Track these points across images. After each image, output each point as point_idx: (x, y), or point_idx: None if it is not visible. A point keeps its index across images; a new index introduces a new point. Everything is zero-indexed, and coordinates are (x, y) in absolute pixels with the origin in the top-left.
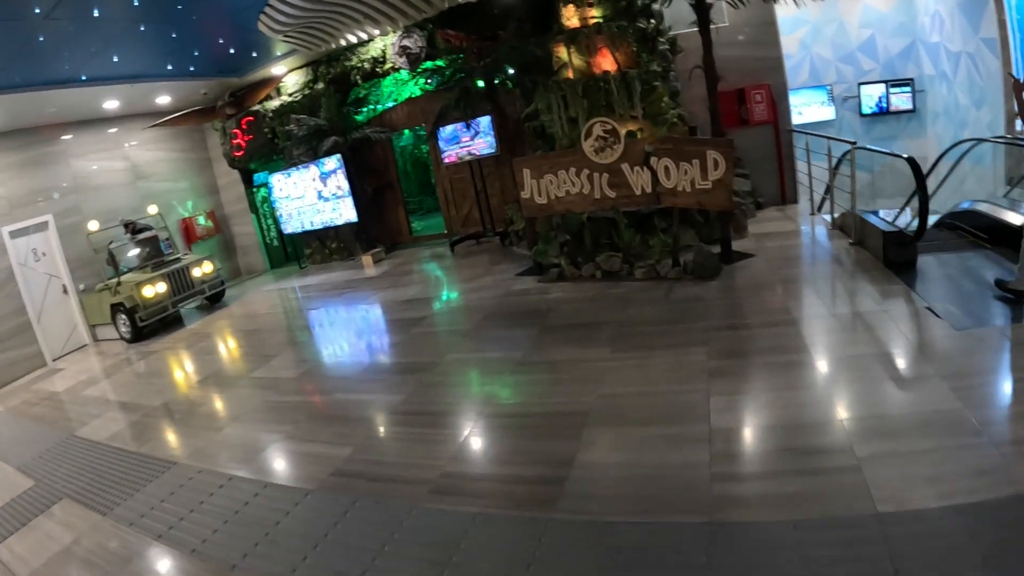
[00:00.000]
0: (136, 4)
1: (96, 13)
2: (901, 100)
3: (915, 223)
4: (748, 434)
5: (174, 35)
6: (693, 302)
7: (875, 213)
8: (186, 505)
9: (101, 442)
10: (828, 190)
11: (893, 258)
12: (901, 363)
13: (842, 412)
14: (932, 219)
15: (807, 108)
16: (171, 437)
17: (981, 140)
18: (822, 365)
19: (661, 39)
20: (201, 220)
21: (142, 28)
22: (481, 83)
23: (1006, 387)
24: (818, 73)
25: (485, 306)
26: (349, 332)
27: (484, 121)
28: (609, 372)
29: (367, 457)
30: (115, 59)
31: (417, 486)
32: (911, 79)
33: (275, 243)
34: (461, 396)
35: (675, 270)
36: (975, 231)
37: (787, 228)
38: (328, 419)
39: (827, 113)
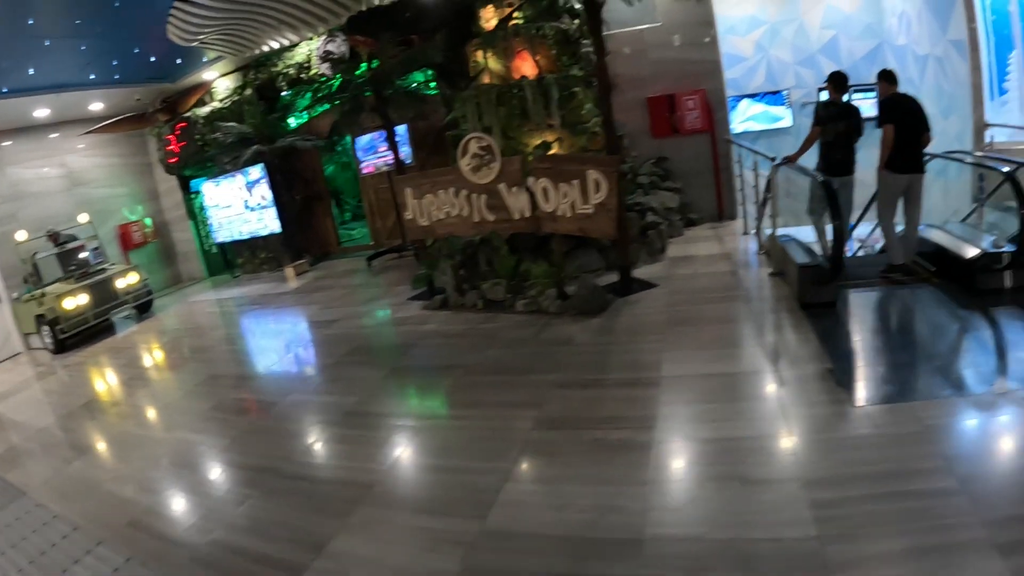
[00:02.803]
0: (31, 23)
1: None
2: (864, 107)
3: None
4: (519, 543)
5: (83, 47)
6: (558, 346)
7: (795, 238)
8: (11, 540)
9: None
10: (759, 209)
11: (808, 299)
12: (760, 456)
13: (650, 527)
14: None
15: (762, 115)
16: (34, 465)
17: (932, 156)
18: (660, 450)
19: (585, 41)
20: (148, 222)
21: (47, 43)
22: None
23: (890, 507)
24: (775, 77)
25: (358, 336)
26: (226, 357)
27: (400, 130)
28: (422, 433)
29: (162, 510)
30: (31, 72)
31: (184, 550)
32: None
33: (213, 250)
34: (274, 447)
35: (559, 303)
36: (923, 262)
37: (711, 251)
38: (153, 460)
39: (783, 120)
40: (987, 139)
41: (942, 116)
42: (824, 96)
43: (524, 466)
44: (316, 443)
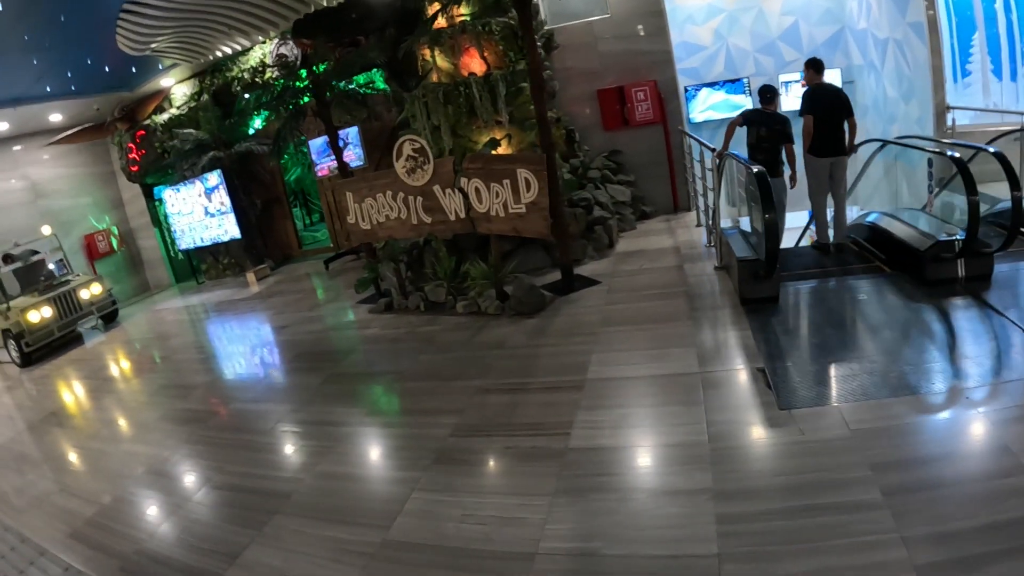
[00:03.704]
0: None
1: None
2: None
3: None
4: (416, 555)
5: (35, 61)
6: (490, 349)
7: (739, 230)
8: None
9: None
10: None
11: (746, 294)
12: (673, 465)
13: (545, 541)
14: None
15: (722, 103)
16: None
17: (886, 142)
18: (571, 459)
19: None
20: (115, 231)
21: None
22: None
23: (802, 523)
24: (735, 65)
25: (305, 341)
26: (178, 367)
27: (352, 132)
28: (346, 441)
29: (104, 520)
30: None
31: (116, 560)
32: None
33: (179, 256)
34: (209, 458)
35: (497, 304)
36: (874, 251)
37: (660, 245)
38: (99, 473)
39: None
40: (948, 122)
41: (903, 100)
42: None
43: (435, 475)
44: (247, 452)
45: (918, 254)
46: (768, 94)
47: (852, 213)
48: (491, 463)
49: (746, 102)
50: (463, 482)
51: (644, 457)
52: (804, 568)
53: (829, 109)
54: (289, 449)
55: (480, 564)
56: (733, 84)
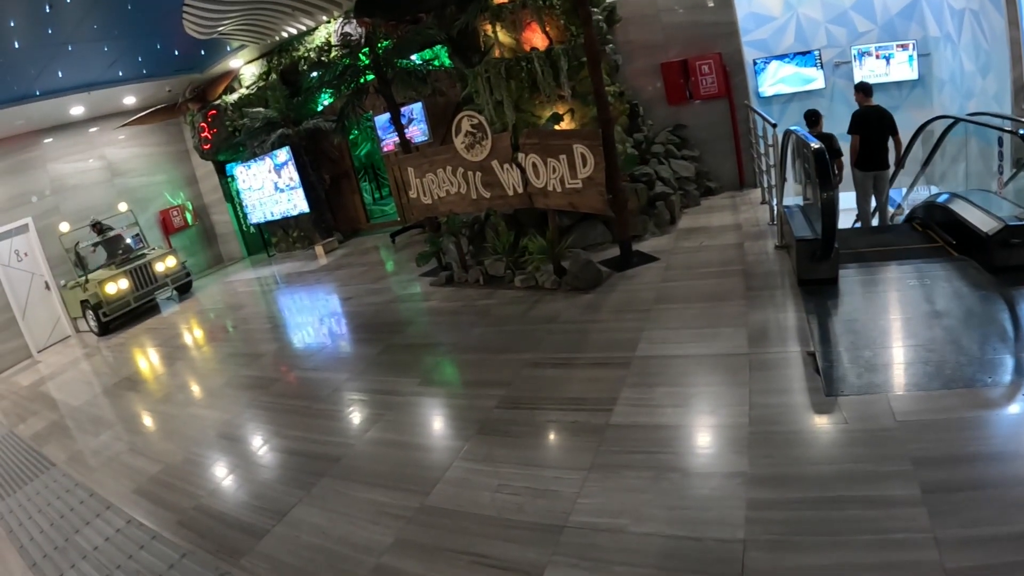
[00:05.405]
0: (50, 32)
1: (16, 45)
2: (903, 68)
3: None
4: (450, 521)
5: (106, 48)
6: (542, 324)
7: (800, 208)
8: (38, 505)
9: (24, 439)
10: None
11: (804, 275)
12: (710, 447)
13: (575, 515)
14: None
15: (793, 76)
16: (65, 440)
17: (958, 119)
18: (610, 435)
19: (595, 8)
20: (190, 206)
21: (70, 48)
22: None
23: (834, 514)
24: (805, 37)
25: (366, 313)
26: (245, 336)
27: (416, 108)
28: (396, 410)
29: (167, 478)
30: (60, 75)
31: (174, 514)
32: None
33: (251, 230)
34: (267, 422)
35: (554, 279)
36: (943, 233)
37: (722, 222)
38: (164, 434)
39: (815, 82)
40: None
41: (980, 74)
42: None
43: (477, 445)
44: (302, 418)
45: (985, 238)
46: (812, 118)
47: (924, 192)
48: (532, 435)
49: (818, 75)
50: (503, 453)
51: (683, 437)
52: (829, 561)
53: (873, 129)
54: (342, 415)
55: (509, 533)
56: (804, 56)
